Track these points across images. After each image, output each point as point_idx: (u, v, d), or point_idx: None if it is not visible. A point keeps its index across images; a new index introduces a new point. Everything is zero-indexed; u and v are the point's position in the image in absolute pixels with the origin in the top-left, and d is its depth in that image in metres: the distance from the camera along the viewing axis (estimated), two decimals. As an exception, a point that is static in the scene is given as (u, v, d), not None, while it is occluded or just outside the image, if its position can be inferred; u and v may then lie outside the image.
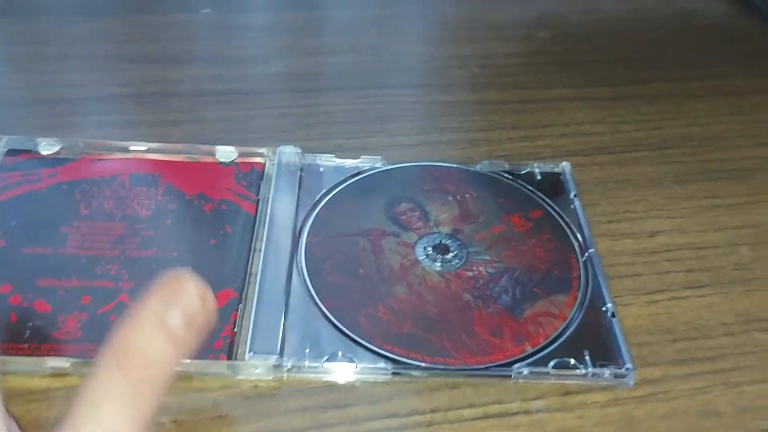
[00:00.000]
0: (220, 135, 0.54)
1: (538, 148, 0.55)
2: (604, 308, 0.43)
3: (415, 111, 0.59)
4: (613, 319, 0.42)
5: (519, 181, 0.51)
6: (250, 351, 0.39)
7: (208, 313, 0.31)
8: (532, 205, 0.50)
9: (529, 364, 0.40)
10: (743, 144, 0.57)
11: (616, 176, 0.53)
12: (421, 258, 0.45)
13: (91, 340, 0.39)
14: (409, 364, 0.40)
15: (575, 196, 0.50)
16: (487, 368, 0.40)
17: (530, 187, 0.51)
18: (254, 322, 0.41)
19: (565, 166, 0.52)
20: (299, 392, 0.39)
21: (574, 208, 0.49)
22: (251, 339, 0.40)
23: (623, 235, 0.49)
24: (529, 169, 0.52)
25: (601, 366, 0.40)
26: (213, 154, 0.51)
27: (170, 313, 0.30)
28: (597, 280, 0.45)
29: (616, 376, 0.40)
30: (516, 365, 0.40)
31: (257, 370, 0.39)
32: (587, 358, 0.40)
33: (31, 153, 0.50)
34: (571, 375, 0.40)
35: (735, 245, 0.49)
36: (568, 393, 0.40)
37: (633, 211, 0.51)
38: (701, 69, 0.65)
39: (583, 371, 0.40)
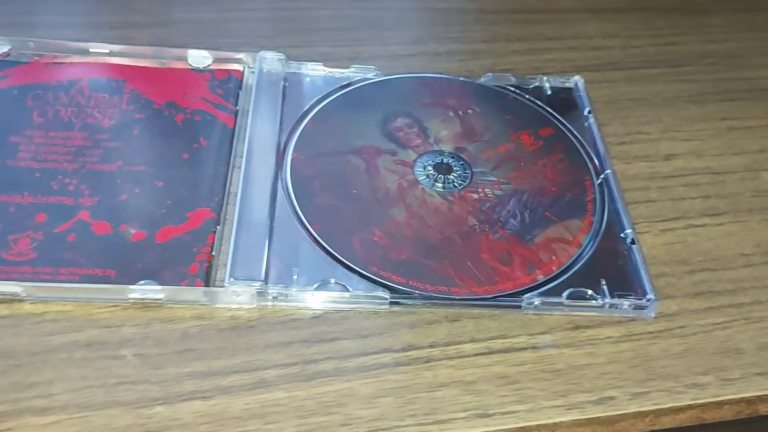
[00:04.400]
0: (190, 40, 0.48)
1: (545, 62, 0.50)
2: (622, 234, 0.39)
3: (411, 18, 0.54)
4: (633, 246, 0.39)
5: (527, 96, 0.47)
6: (230, 276, 0.35)
7: None
8: (542, 122, 0.45)
9: (541, 294, 0.36)
10: (762, 63, 0.53)
11: (628, 94, 0.49)
12: (421, 178, 0.41)
13: (46, 262, 0.35)
14: (409, 292, 0.36)
15: (589, 112, 0.46)
16: (495, 298, 0.36)
17: (540, 103, 0.46)
18: (235, 245, 0.36)
19: (578, 80, 0.48)
20: (281, 324, 0.35)
21: (589, 126, 0.45)
22: (232, 263, 0.36)
23: (636, 157, 0.45)
24: (537, 83, 0.47)
25: (620, 296, 0.37)
26: (185, 59, 0.46)
27: None
28: (614, 203, 0.41)
29: (637, 307, 0.37)
30: (527, 295, 0.36)
31: (238, 298, 0.35)
32: (604, 287, 0.37)
33: None
34: (587, 306, 0.36)
35: (754, 170, 0.45)
36: (577, 327, 0.36)
37: (646, 132, 0.47)
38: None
39: (600, 302, 0.36)
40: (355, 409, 0.32)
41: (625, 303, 0.36)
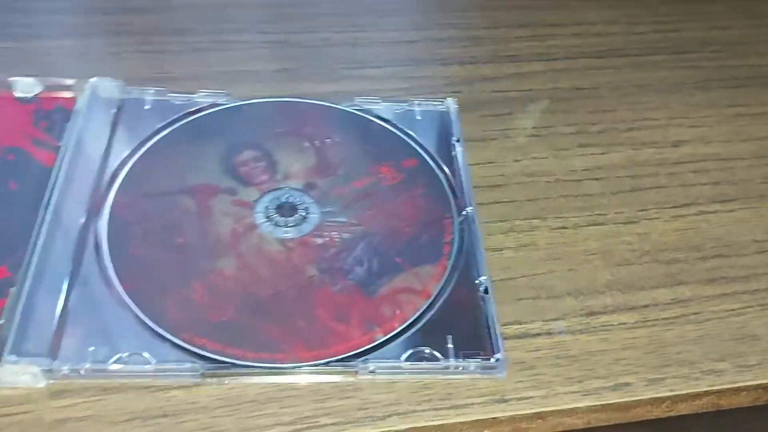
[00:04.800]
0: (189, 25, 0.47)
1: (548, 49, 0.50)
2: (476, 281, 0.35)
3: (411, 4, 0.53)
4: (486, 296, 0.35)
5: (394, 122, 0.42)
6: (11, 352, 0.30)
7: None
8: (407, 153, 0.41)
9: (379, 357, 0.32)
10: (766, 50, 0.52)
11: (633, 80, 0.48)
12: (261, 221, 0.37)
13: None
14: (225, 362, 0.31)
15: (457, 141, 0.42)
16: (326, 364, 0.32)
17: (407, 130, 0.42)
18: (24, 311, 0.32)
19: (450, 103, 0.44)
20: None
21: (456, 156, 0.41)
22: (16, 335, 0.31)
23: (644, 143, 0.44)
24: (407, 107, 0.43)
25: (466, 357, 0.32)
26: (10, 88, 0.41)
27: None
28: (474, 246, 0.37)
29: (484, 368, 0.32)
30: (362, 359, 0.32)
31: (22, 378, 0.30)
32: (450, 346, 0.33)
33: None
34: (430, 369, 0.32)
35: (763, 157, 0.45)
36: (591, 314, 0.35)
37: (653, 118, 0.46)
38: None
39: (444, 364, 0.32)
40: (371, 394, 0.31)
41: (472, 364, 0.32)
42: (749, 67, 0.51)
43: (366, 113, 0.43)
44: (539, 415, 0.32)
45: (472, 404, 0.31)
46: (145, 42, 0.45)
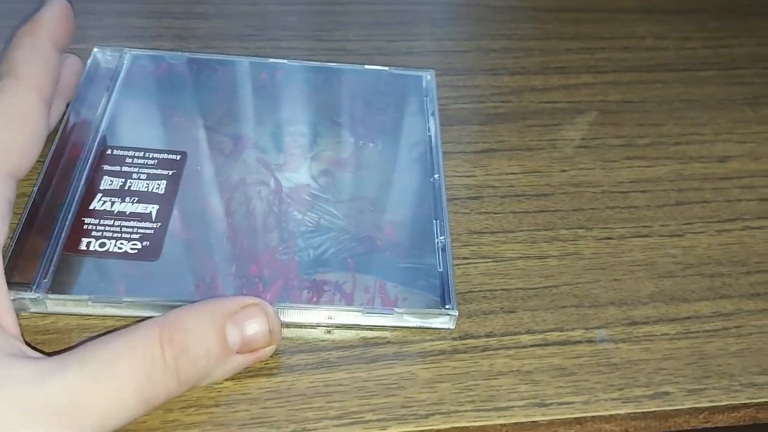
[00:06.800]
0: (250, 32, 0.49)
1: (597, 62, 0.50)
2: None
3: (465, 15, 0.54)
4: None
5: None
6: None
7: (267, 351, 0.31)
8: None
9: None
10: (818, 68, 0.52)
11: (682, 95, 0.49)
12: None
13: None
14: None
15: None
16: None
17: None
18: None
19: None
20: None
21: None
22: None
23: (691, 158, 0.45)
24: None
25: None
26: None
27: (234, 328, 0.29)
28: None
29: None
30: None
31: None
32: None
33: None
34: None
35: (812, 175, 0.45)
36: (633, 323, 0.36)
37: (701, 133, 0.46)
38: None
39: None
40: (414, 393, 0.32)
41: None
42: (800, 84, 0.51)
43: None
44: (578, 421, 0.33)
45: (514, 407, 0.32)
46: (207, 46, 0.47)
